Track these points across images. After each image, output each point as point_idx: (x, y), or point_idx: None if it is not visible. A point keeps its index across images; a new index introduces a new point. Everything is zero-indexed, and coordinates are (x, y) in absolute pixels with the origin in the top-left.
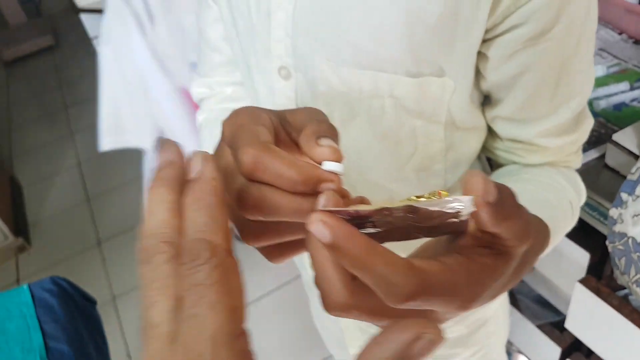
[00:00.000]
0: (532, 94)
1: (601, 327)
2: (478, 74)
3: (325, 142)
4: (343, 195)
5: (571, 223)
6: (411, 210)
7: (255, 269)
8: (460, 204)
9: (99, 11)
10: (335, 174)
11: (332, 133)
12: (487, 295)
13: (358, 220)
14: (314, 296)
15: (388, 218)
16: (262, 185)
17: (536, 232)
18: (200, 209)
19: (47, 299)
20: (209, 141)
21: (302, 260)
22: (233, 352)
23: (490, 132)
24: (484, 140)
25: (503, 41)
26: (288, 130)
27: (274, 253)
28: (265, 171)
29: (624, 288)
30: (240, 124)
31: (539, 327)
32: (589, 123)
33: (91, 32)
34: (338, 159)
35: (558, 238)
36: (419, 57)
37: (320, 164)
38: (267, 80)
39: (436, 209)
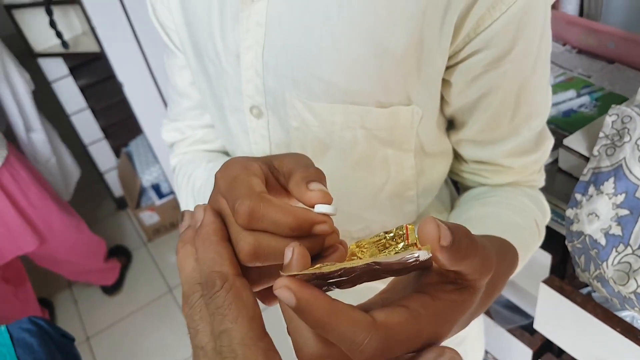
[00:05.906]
0: (493, 116)
1: (567, 325)
2: (442, 99)
3: (315, 186)
4: (335, 241)
5: (538, 242)
6: (372, 266)
7: None
8: (417, 255)
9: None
10: (327, 215)
11: (320, 177)
12: (458, 326)
13: (325, 278)
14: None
15: (353, 273)
16: (258, 232)
17: (502, 258)
18: (206, 247)
19: (26, 338)
20: (186, 185)
21: None
22: (259, 350)
23: (456, 156)
24: (450, 164)
25: (465, 67)
26: (276, 175)
27: (269, 297)
28: (262, 220)
29: (587, 286)
30: (233, 176)
31: (510, 331)
32: (550, 143)
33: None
34: (328, 201)
35: (527, 257)
36: (388, 88)
37: (312, 207)
38: (240, 120)
39: (395, 260)
